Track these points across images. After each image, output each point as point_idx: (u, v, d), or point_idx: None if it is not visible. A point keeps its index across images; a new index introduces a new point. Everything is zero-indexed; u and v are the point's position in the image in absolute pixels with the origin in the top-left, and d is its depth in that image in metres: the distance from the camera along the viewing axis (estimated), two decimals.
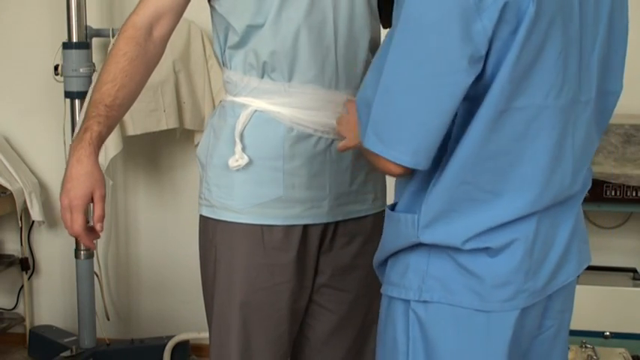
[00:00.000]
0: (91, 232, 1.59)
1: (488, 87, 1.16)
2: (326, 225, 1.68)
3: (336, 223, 1.70)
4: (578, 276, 1.41)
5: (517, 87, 1.17)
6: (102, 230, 1.59)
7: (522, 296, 1.26)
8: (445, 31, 1.12)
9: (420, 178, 1.26)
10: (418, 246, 1.27)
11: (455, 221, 1.23)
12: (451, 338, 1.27)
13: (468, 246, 1.23)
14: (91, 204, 1.58)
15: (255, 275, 1.65)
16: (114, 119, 1.61)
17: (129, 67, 1.60)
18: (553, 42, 1.18)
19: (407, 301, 1.29)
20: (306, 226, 1.66)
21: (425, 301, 1.27)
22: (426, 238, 1.25)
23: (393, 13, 1.21)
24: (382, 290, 1.37)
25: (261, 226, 1.64)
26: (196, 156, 1.74)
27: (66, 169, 1.57)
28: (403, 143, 1.17)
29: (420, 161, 1.18)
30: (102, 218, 1.57)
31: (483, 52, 1.13)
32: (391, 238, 1.32)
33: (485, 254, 1.24)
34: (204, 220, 1.71)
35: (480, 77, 1.16)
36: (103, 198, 1.57)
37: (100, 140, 1.58)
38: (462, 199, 1.22)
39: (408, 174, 1.23)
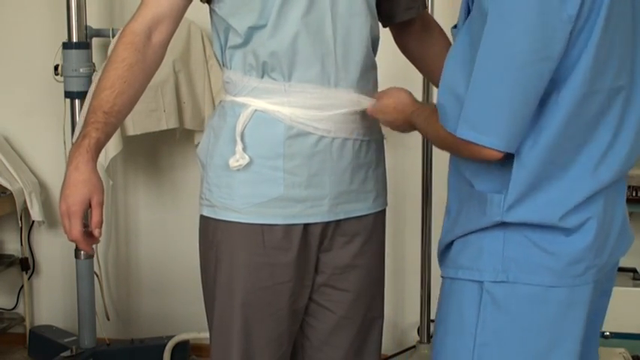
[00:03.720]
0: (90, 237, 1.59)
1: (570, 71, 1.25)
2: (326, 224, 1.68)
3: (337, 222, 1.70)
4: None
5: (597, 70, 1.26)
6: (100, 235, 1.59)
7: (592, 272, 1.35)
8: (532, 24, 1.21)
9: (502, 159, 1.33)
10: (492, 228, 1.35)
11: (538, 199, 1.31)
12: (526, 316, 1.33)
13: (569, 223, 1.30)
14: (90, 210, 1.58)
15: (255, 275, 1.65)
16: (112, 126, 1.61)
17: (127, 73, 1.60)
18: (624, 24, 1.29)
19: (480, 283, 1.35)
20: (306, 225, 1.66)
21: (501, 282, 1.34)
22: (512, 217, 1.32)
23: (474, 5, 1.30)
24: (444, 274, 1.43)
25: (262, 225, 1.64)
26: (196, 156, 1.74)
27: (65, 176, 1.57)
28: (499, 130, 1.26)
29: (513, 145, 1.27)
30: (99, 224, 1.58)
31: (567, 39, 1.23)
32: (470, 217, 1.37)
33: (561, 233, 1.32)
34: (204, 220, 1.71)
35: (561, 62, 1.24)
36: (101, 204, 1.57)
37: (99, 147, 1.58)
38: (543, 177, 1.31)
39: (502, 158, 1.30)
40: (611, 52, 1.28)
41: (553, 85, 1.27)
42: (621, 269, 2.94)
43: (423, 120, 1.50)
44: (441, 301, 1.44)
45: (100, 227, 1.58)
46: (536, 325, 1.33)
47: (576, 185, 1.31)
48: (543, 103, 1.28)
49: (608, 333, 2.71)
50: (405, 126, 1.60)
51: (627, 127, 1.35)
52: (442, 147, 1.41)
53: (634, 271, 2.96)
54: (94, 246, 2.85)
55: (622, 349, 2.46)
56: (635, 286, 2.86)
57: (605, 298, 1.49)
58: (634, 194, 2.77)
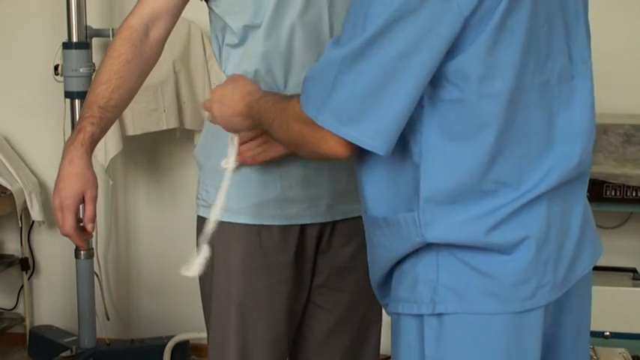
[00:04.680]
0: (83, 232, 1.59)
1: (462, 70, 1.10)
2: (323, 225, 1.68)
3: (334, 223, 1.69)
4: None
5: (488, 71, 1.11)
6: (93, 230, 1.59)
7: (543, 291, 1.18)
8: (417, 13, 1.06)
9: (407, 174, 1.18)
10: (424, 253, 1.19)
11: (459, 214, 1.15)
12: (473, 349, 1.18)
13: (494, 239, 1.14)
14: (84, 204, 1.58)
15: (252, 276, 1.65)
16: (108, 120, 1.61)
17: (124, 68, 1.60)
18: (521, 17, 1.11)
19: (419, 317, 1.20)
20: (303, 226, 1.66)
21: (439, 314, 1.18)
22: (433, 236, 1.17)
23: None
24: (389, 309, 1.29)
25: (258, 226, 1.63)
26: (194, 156, 1.74)
27: (59, 170, 1.57)
28: (364, 124, 1.10)
29: (380, 145, 1.11)
30: (92, 219, 1.58)
31: (458, 32, 1.07)
32: (390, 246, 1.23)
33: (499, 252, 1.15)
34: (201, 221, 1.71)
35: (452, 58, 1.10)
36: (94, 199, 1.57)
37: (93, 141, 1.58)
38: (461, 189, 1.15)
39: (349, 157, 1.16)
40: (508, 50, 1.11)
41: (442, 87, 1.13)
42: (621, 269, 2.96)
43: (271, 105, 1.32)
44: (392, 340, 1.29)
45: (93, 222, 1.58)
46: (486, 358, 1.18)
47: (506, 195, 1.15)
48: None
49: (608, 333, 2.71)
50: (243, 117, 1.42)
51: (565, 124, 1.20)
52: (289, 138, 1.25)
53: (634, 271, 2.97)
54: (94, 246, 2.82)
55: (622, 349, 2.46)
56: (635, 286, 2.86)
57: (585, 311, 1.36)
58: (634, 194, 2.77)
